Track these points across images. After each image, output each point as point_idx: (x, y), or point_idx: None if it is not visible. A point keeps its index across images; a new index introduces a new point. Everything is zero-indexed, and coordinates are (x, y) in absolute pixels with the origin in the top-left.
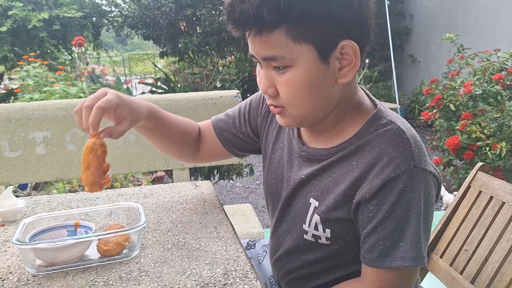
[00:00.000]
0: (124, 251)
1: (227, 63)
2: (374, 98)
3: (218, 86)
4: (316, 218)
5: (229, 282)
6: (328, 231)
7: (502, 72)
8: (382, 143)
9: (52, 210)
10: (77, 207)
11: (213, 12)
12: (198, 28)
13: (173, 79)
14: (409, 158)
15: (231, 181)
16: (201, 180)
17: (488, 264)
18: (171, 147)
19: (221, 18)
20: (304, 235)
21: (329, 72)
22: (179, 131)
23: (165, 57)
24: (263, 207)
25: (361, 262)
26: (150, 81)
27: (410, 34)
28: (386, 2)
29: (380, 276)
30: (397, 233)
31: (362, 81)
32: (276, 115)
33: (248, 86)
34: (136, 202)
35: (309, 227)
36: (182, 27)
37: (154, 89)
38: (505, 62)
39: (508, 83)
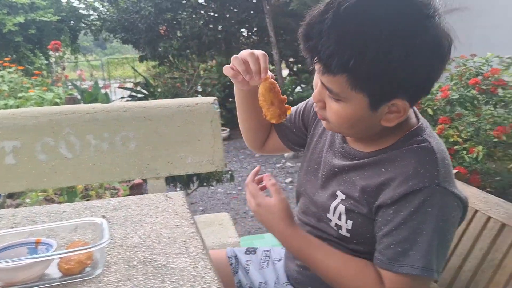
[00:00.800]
0: (87, 269)
1: (208, 67)
2: (420, 116)
3: (200, 90)
4: (341, 208)
5: None
6: (350, 222)
7: (478, 77)
8: (412, 157)
9: (16, 224)
10: (42, 222)
11: (194, 16)
12: (178, 32)
13: (153, 84)
14: (434, 176)
15: (212, 188)
16: (180, 187)
17: (462, 272)
18: (257, 126)
19: (201, 22)
20: (329, 222)
21: (376, 116)
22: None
23: (144, 61)
24: (244, 213)
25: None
26: (129, 85)
27: None
28: None
29: (391, 279)
30: (410, 241)
31: None
32: (323, 121)
33: (229, 91)
34: (103, 216)
35: (333, 215)
36: (162, 31)
37: (133, 93)
38: (481, 67)
39: (484, 87)
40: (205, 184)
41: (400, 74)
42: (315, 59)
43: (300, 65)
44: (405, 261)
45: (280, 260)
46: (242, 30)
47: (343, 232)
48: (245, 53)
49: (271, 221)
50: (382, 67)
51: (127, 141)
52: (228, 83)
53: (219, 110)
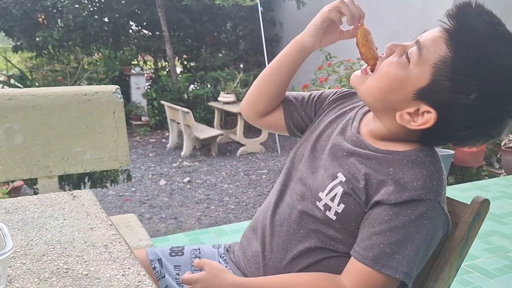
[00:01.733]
0: None
1: (94, 60)
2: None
3: (85, 85)
4: (339, 190)
5: None
6: (342, 206)
7: None
8: (424, 170)
9: None
10: None
11: (77, 5)
12: (59, 21)
13: (30, 77)
14: (438, 194)
15: (102, 190)
16: (69, 189)
17: None
18: (273, 93)
19: (86, 12)
20: (317, 202)
21: (404, 102)
22: (287, 84)
23: (19, 51)
24: (140, 215)
25: (341, 260)
26: (1, 78)
27: (280, 41)
28: (259, 9)
29: (368, 276)
30: (400, 246)
31: (238, 85)
32: (360, 71)
33: (119, 87)
34: None
35: (326, 195)
36: (41, 19)
37: (6, 87)
38: None
39: None
40: (98, 185)
41: (461, 103)
42: (454, 19)
43: (194, 63)
44: (389, 263)
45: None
46: (132, 23)
47: (330, 214)
48: (345, 0)
49: (213, 286)
50: (464, 89)
51: (12, 134)
52: (117, 78)
53: (122, 99)
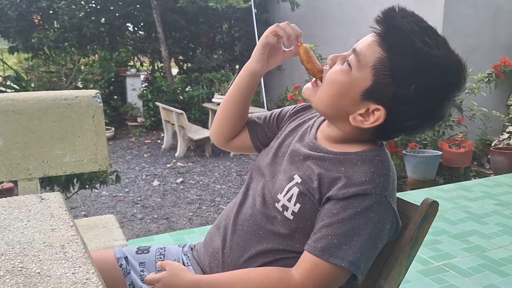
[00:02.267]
0: None
1: (90, 62)
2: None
3: (80, 86)
4: (295, 190)
5: None
6: (298, 206)
7: None
8: (372, 167)
9: None
10: None
11: (73, 6)
12: (55, 22)
13: (26, 78)
14: (384, 189)
15: (96, 190)
16: (58, 191)
17: None
18: (236, 119)
19: (82, 13)
20: (276, 203)
21: (354, 105)
22: (247, 108)
23: (16, 53)
24: (132, 215)
25: (297, 260)
26: None
27: None
28: (253, 11)
29: (315, 265)
30: (347, 237)
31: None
32: (311, 83)
33: (114, 88)
34: None
35: (283, 196)
36: (36, 21)
37: (2, 88)
38: None
39: None
40: (87, 186)
41: (404, 96)
42: (383, 22)
43: (189, 64)
44: (337, 253)
45: (177, 260)
46: (128, 24)
47: (288, 214)
48: (280, 24)
49: (173, 285)
50: (399, 87)
51: None
52: (113, 79)
53: (102, 104)
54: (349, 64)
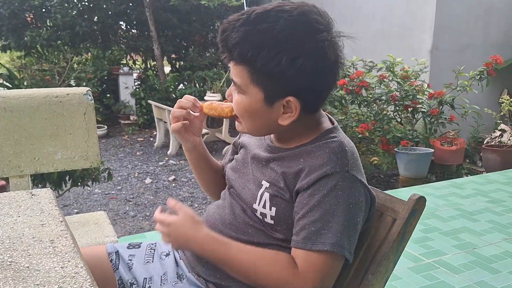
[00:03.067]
0: None
1: (83, 60)
2: (335, 120)
3: (73, 85)
4: (266, 195)
5: None
6: (274, 209)
7: (346, 79)
8: (326, 149)
9: None
10: None
11: (66, 5)
12: (48, 20)
13: (18, 76)
14: (344, 164)
15: (88, 188)
16: (50, 188)
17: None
18: (213, 178)
19: (75, 11)
20: (255, 213)
21: (272, 112)
22: (217, 171)
23: (8, 51)
24: (124, 213)
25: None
26: None
27: None
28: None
29: (305, 258)
30: (322, 221)
31: (224, 84)
32: (236, 122)
33: (107, 86)
34: None
35: (258, 205)
36: (29, 19)
37: None
38: (348, 69)
39: (350, 88)
40: (79, 184)
41: (289, 75)
42: (224, 48)
43: (182, 62)
44: (317, 240)
45: (168, 254)
46: (121, 23)
47: (268, 219)
48: (176, 105)
49: (184, 235)
50: (273, 65)
51: None
52: (106, 77)
53: (93, 101)
54: (239, 92)
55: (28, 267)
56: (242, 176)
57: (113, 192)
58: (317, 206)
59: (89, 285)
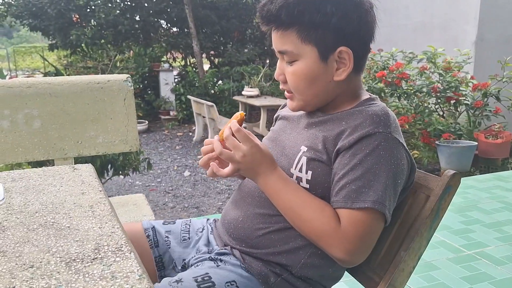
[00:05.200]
0: None
1: (125, 57)
2: (373, 95)
3: None
4: (303, 159)
5: (99, 256)
6: (310, 173)
7: (385, 70)
8: (369, 112)
9: None
10: None
11: (109, 4)
12: (92, 20)
13: (65, 74)
14: (387, 126)
15: (129, 180)
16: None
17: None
18: None
19: (117, 10)
20: (291, 178)
21: (327, 70)
22: None
23: (55, 50)
24: (163, 204)
25: None
26: (39, 76)
27: None
28: None
29: (346, 217)
30: (364, 180)
31: (262, 79)
32: (287, 100)
33: (148, 82)
34: None
35: (295, 169)
36: (75, 18)
37: None
38: (387, 61)
39: (390, 80)
40: (120, 173)
41: (335, 22)
42: (269, 17)
43: (220, 59)
44: (358, 198)
45: (203, 229)
46: (161, 21)
47: (303, 183)
48: (202, 149)
49: (257, 167)
50: (320, 16)
51: (31, 119)
52: (147, 74)
53: (132, 87)
54: (291, 61)
55: (68, 227)
56: (279, 143)
57: (153, 184)
58: (359, 165)
59: (124, 242)
